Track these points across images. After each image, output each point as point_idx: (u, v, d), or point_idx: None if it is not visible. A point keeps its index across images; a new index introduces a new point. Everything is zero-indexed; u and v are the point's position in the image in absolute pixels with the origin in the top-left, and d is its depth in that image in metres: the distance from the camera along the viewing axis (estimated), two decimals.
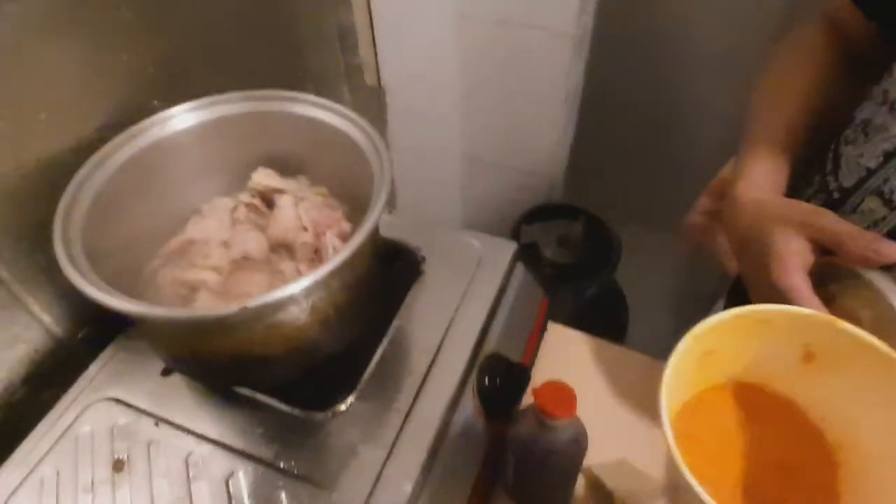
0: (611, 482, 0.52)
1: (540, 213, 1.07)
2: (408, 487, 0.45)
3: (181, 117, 0.52)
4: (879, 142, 0.38)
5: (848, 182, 0.39)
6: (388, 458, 0.47)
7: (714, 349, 0.32)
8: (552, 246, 1.00)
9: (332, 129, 0.52)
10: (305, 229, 0.53)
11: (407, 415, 0.49)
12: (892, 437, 0.28)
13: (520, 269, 0.61)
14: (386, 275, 0.59)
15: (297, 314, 0.43)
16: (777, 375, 0.33)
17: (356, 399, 0.50)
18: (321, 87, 0.63)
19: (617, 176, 1.32)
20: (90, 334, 0.56)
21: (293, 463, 0.47)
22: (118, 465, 0.47)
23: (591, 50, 1.01)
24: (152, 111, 0.51)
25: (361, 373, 0.51)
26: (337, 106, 0.51)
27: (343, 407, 0.49)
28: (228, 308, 0.37)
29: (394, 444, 0.47)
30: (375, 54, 0.78)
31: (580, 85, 1.06)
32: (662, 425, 0.28)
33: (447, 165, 1.05)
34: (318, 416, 0.49)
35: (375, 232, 0.50)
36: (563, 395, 0.43)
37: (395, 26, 0.79)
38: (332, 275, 0.43)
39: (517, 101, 0.98)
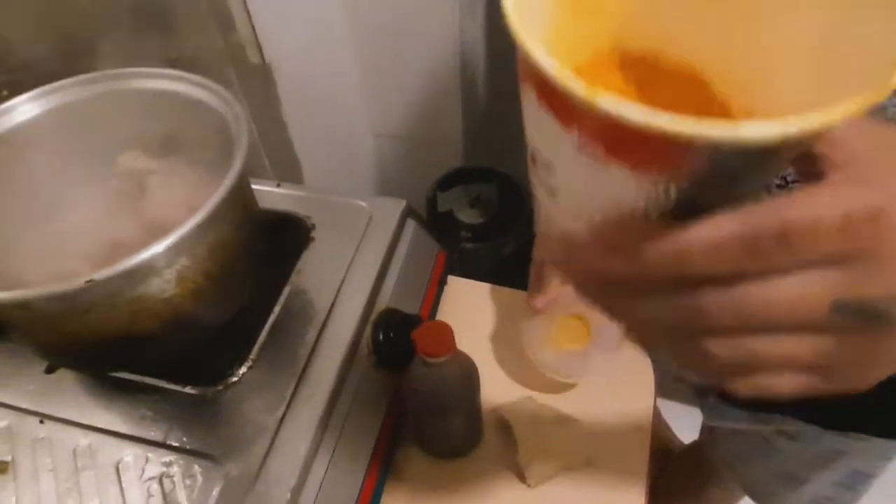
0: (511, 417, 0.54)
1: (455, 179, 1.08)
2: (302, 448, 0.45)
3: (24, 107, 0.49)
4: None
5: None
6: (281, 421, 0.47)
7: None
8: (466, 209, 1.01)
9: (191, 100, 0.50)
10: (178, 207, 0.52)
11: (300, 377, 0.49)
12: (817, 57, 0.20)
13: (411, 225, 0.61)
14: (275, 245, 0.58)
15: (162, 286, 0.42)
16: (679, 29, 0.24)
17: (249, 369, 0.50)
18: (202, 69, 0.61)
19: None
20: None
21: (185, 440, 0.46)
22: (2, 468, 0.46)
23: (494, 7, 1.01)
24: (2, 99, 0.49)
25: (254, 342, 0.51)
26: (190, 76, 0.50)
27: (235, 378, 0.49)
28: (74, 283, 0.36)
29: (288, 408, 0.47)
30: (254, 31, 0.77)
31: (480, 43, 1.07)
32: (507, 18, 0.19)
33: (354, 140, 1.04)
34: (210, 390, 0.48)
35: (243, 197, 0.50)
36: (440, 333, 0.44)
37: (272, 1, 0.77)
38: (192, 241, 0.42)
39: (414, 68, 0.98)
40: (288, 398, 0.48)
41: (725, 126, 0.15)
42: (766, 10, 0.22)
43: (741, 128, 0.15)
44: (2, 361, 0.52)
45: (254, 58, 0.80)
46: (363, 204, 0.61)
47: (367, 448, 0.50)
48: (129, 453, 0.45)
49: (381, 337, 0.53)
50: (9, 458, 0.46)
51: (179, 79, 0.50)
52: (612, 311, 0.21)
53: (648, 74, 0.25)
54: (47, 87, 0.49)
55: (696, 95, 0.24)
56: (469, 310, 0.64)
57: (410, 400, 0.48)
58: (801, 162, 0.21)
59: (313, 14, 0.85)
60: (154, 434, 0.46)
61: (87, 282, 0.36)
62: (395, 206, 0.61)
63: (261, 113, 0.86)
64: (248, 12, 0.75)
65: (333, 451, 0.47)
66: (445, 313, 0.64)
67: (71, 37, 0.57)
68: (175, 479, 0.44)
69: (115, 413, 0.48)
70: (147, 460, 0.45)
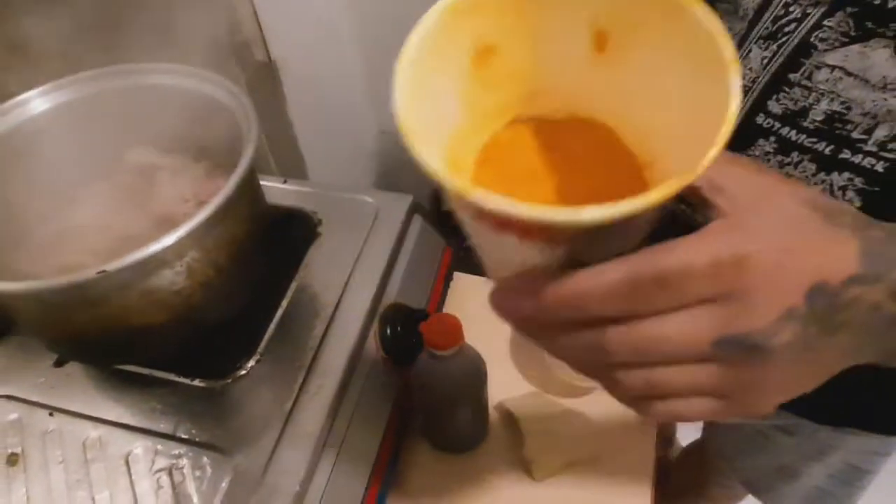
0: (517, 411, 0.54)
1: None
2: (311, 440, 0.46)
3: (34, 102, 0.50)
4: None
5: None
6: (290, 414, 0.47)
7: (492, 44, 0.25)
8: None
9: (200, 95, 0.51)
10: (187, 201, 0.52)
11: (308, 371, 0.49)
12: (689, 105, 0.23)
13: (417, 220, 0.62)
14: (282, 240, 0.58)
15: (173, 278, 0.42)
16: (571, 82, 0.27)
17: (257, 362, 0.50)
18: (208, 67, 0.61)
19: None
20: None
21: (194, 432, 0.46)
22: (12, 460, 0.46)
23: None
24: (8, 97, 0.49)
25: (262, 336, 0.51)
26: (199, 71, 0.50)
27: (243, 371, 0.49)
28: (87, 273, 0.36)
29: (296, 401, 0.48)
30: (260, 28, 0.77)
31: None
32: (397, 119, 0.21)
33: (358, 137, 1.04)
34: (219, 383, 0.49)
35: (252, 191, 0.50)
36: (448, 326, 0.44)
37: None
38: (202, 233, 0.42)
39: None
40: (296, 391, 0.48)
41: (568, 211, 0.18)
42: (640, 72, 0.25)
43: (581, 212, 0.18)
44: (11, 355, 0.52)
45: (259, 55, 0.80)
46: (370, 199, 0.61)
47: (375, 441, 0.51)
48: (139, 445, 0.46)
49: (388, 331, 0.53)
50: (19, 451, 0.46)
51: (188, 74, 0.50)
52: (541, 345, 0.23)
53: (563, 128, 0.28)
54: (57, 82, 0.49)
55: (605, 142, 0.27)
56: (475, 305, 0.64)
57: (418, 393, 0.49)
58: (692, 196, 0.23)
59: (318, 12, 0.85)
60: (163, 426, 0.46)
61: (100, 272, 0.36)
62: (402, 202, 0.61)
63: (266, 110, 0.87)
64: (254, 10, 0.75)
65: (341, 445, 0.48)
66: (451, 309, 0.64)
67: (78, 32, 0.57)
68: (184, 471, 0.44)
69: (125, 406, 0.48)
70: (157, 452, 0.45)
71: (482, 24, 0.24)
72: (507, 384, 0.59)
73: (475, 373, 0.47)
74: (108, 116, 0.51)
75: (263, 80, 0.82)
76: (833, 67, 0.34)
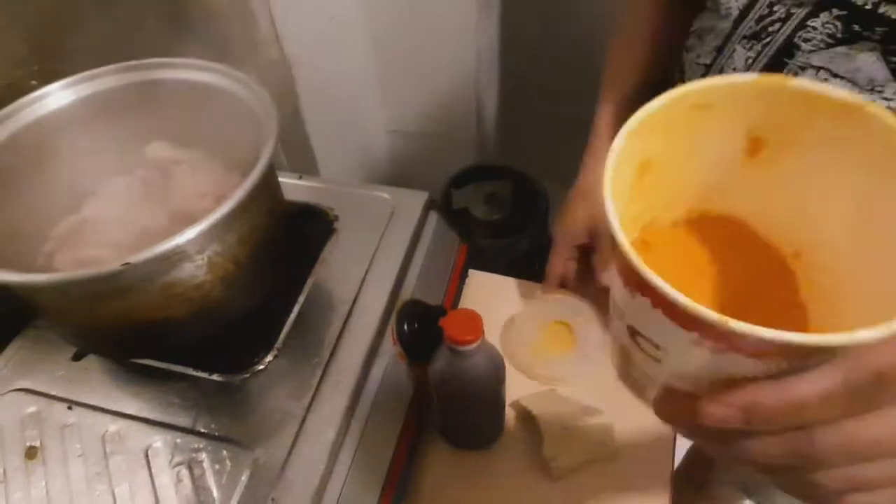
0: (535, 409, 0.54)
1: (469, 177, 1.08)
2: (330, 436, 0.45)
3: (57, 95, 0.50)
4: (711, 40, 0.41)
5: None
6: (308, 410, 0.47)
7: (650, 158, 0.27)
8: (481, 205, 1.01)
9: (219, 90, 0.51)
10: (205, 196, 0.52)
11: (326, 366, 0.49)
12: (865, 213, 0.24)
13: (433, 217, 0.62)
14: (299, 236, 0.58)
15: (194, 271, 0.42)
16: (722, 188, 0.28)
17: (275, 357, 0.50)
18: (224, 63, 0.61)
19: (544, 133, 1.34)
20: None
21: (213, 426, 0.46)
22: (31, 453, 0.46)
23: (507, 7, 1.02)
24: (29, 91, 0.49)
25: (279, 331, 0.51)
26: (218, 65, 0.50)
27: (261, 366, 0.49)
28: (112, 266, 0.36)
29: (314, 397, 0.48)
30: (275, 27, 0.77)
31: (494, 42, 1.07)
32: (611, 227, 0.22)
33: (370, 136, 1.04)
34: (237, 378, 0.49)
35: (271, 186, 0.50)
36: (468, 320, 0.44)
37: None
38: (223, 227, 0.42)
39: (430, 65, 0.98)
40: (314, 386, 0.48)
41: (843, 336, 0.18)
42: (795, 171, 0.26)
43: (857, 335, 0.18)
44: (29, 348, 0.52)
45: (274, 53, 0.80)
46: (386, 196, 0.61)
47: (393, 438, 0.50)
48: (158, 439, 0.45)
49: (405, 327, 0.53)
50: (38, 444, 0.46)
51: (208, 69, 0.50)
52: (724, 452, 0.23)
53: (704, 227, 0.29)
54: (79, 76, 0.50)
55: (752, 245, 0.28)
56: (490, 303, 0.64)
57: (437, 389, 0.48)
58: None
59: (332, 11, 0.85)
60: (182, 420, 0.46)
61: (124, 264, 0.36)
62: (418, 199, 0.61)
63: (279, 108, 0.87)
64: (269, 9, 0.76)
65: (360, 440, 0.47)
66: (466, 306, 0.64)
67: (99, 30, 0.57)
68: (204, 464, 0.44)
69: (144, 400, 0.48)
70: (176, 446, 0.45)
71: (649, 141, 0.26)
72: (522, 381, 0.58)
73: (495, 368, 0.47)
74: (128, 111, 0.52)
75: (277, 78, 0.83)
76: (818, 69, 0.35)
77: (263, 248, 0.48)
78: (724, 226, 0.29)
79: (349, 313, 0.52)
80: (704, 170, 0.28)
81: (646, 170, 0.27)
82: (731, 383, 0.21)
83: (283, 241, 0.53)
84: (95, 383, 0.50)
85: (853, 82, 0.33)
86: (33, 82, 0.52)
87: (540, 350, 0.60)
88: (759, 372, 0.21)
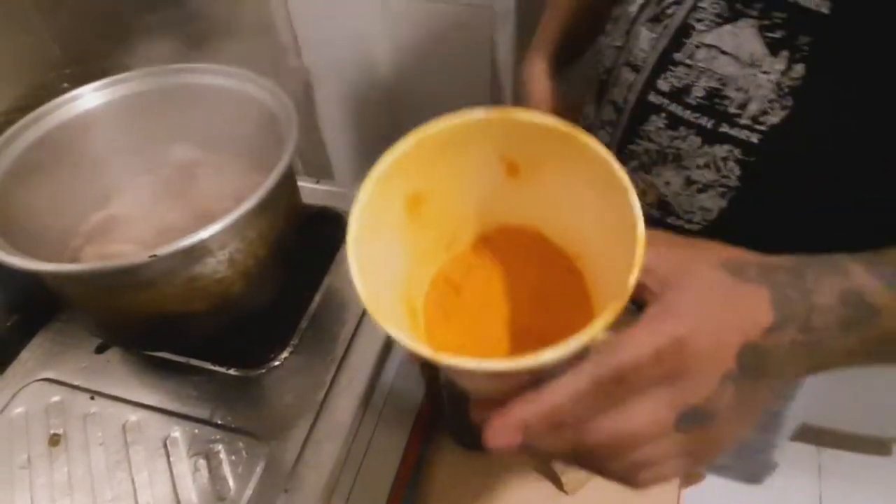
0: None
1: None
2: (343, 430, 0.47)
3: (88, 97, 0.52)
4: (623, 23, 0.43)
5: (608, 63, 0.45)
6: (322, 405, 0.48)
7: (419, 193, 0.28)
8: None
9: (241, 95, 0.53)
10: (226, 197, 0.54)
11: (340, 364, 0.50)
12: (602, 222, 0.27)
13: None
14: (316, 237, 0.60)
15: (216, 266, 0.44)
16: (497, 206, 0.30)
17: (290, 353, 0.51)
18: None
19: None
20: (20, 322, 0.55)
21: (230, 418, 0.48)
22: (54, 440, 0.47)
23: (523, 26, 1.03)
24: (61, 93, 0.51)
25: (295, 329, 0.53)
26: (241, 71, 0.52)
27: (277, 362, 0.51)
28: (139, 256, 0.38)
29: (328, 393, 0.49)
30: (294, 35, 0.79)
31: (509, 58, 1.09)
32: (358, 293, 0.24)
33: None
34: (253, 372, 0.50)
35: (290, 187, 0.52)
36: None
37: (313, 7, 0.80)
38: (246, 224, 0.44)
39: (447, 77, 1.00)
40: (328, 383, 0.49)
41: (528, 360, 0.21)
42: (550, 189, 0.29)
43: (541, 357, 0.21)
44: (53, 340, 0.54)
45: (293, 61, 0.83)
46: None
47: (404, 435, 0.51)
48: (177, 430, 0.47)
49: None
50: (61, 432, 0.48)
51: (231, 74, 0.52)
52: (538, 454, 0.26)
53: (497, 239, 0.32)
54: (109, 79, 0.52)
55: (536, 241, 0.31)
56: None
57: (448, 387, 0.50)
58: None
59: (351, 21, 0.87)
60: (200, 412, 0.48)
61: (152, 256, 0.38)
62: None
63: (300, 121, 0.89)
64: (289, 18, 0.78)
65: (372, 436, 0.49)
66: None
67: (127, 35, 0.60)
68: (221, 455, 0.45)
69: (163, 392, 0.49)
70: (194, 437, 0.46)
71: (408, 180, 0.28)
72: None
73: None
74: (155, 113, 0.54)
75: (296, 86, 0.85)
76: (710, 47, 0.36)
77: (282, 246, 0.49)
78: (518, 234, 0.31)
79: (363, 313, 0.54)
80: (481, 192, 0.30)
81: (419, 201, 0.29)
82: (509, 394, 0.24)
83: (300, 242, 0.54)
84: (117, 375, 0.51)
85: (737, 58, 0.35)
86: (65, 85, 0.55)
87: None
88: (506, 386, 0.24)
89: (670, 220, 0.41)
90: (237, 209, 0.41)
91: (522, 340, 0.28)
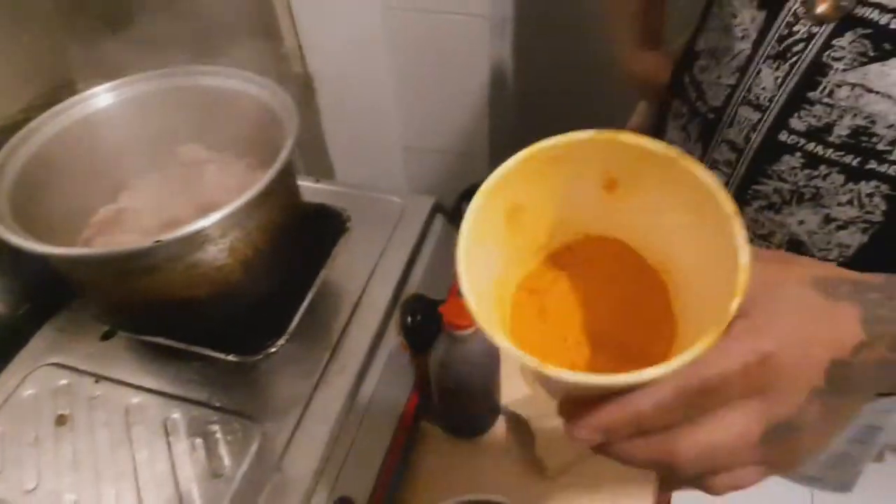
0: (524, 412, 0.57)
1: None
2: (334, 414, 0.49)
3: (102, 96, 0.55)
4: (729, 61, 0.43)
5: (717, 102, 0.44)
6: (315, 390, 0.50)
7: (520, 203, 0.30)
8: None
9: (246, 96, 0.56)
10: (230, 193, 0.57)
11: (333, 352, 0.53)
12: (698, 244, 0.27)
13: (439, 219, 0.66)
14: (313, 233, 0.63)
15: (216, 254, 0.46)
16: (589, 217, 0.31)
17: (286, 341, 0.53)
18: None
19: None
20: (32, 310, 0.58)
21: (227, 401, 0.50)
22: (61, 420, 0.50)
23: (521, 33, 1.06)
24: (77, 92, 0.55)
25: (291, 318, 0.55)
26: (244, 73, 0.55)
27: (273, 349, 0.53)
28: (143, 242, 0.41)
29: (320, 378, 0.51)
30: (298, 42, 0.82)
31: (508, 63, 1.12)
32: (465, 301, 0.26)
33: (386, 151, 1.09)
34: (251, 359, 0.52)
35: (290, 183, 0.54)
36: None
37: (317, 15, 0.83)
38: (244, 214, 0.47)
39: (446, 84, 1.03)
40: (321, 369, 0.51)
41: (629, 376, 0.22)
42: (646, 210, 0.29)
43: (642, 374, 0.22)
44: (62, 328, 0.57)
45: (296, 67, 0.86)
46: (396, 199, 0.65)
47: (392, 422, 0.53)
48: (177, 412, 0.49)
49: (409, 319, 0.56)
50: (67, 412, 0.50)
51: (235, 76, 0.55)
52: (609, 453, 0.26)
53: (583, 247, 0.33)
54: (122, 80, 0.55)
55: (621, 251, 0.31)
56: None
57: (436, 374, 0.52)
58: None
59: (354, 30, 0.91)
60: (199, 396, 0.50)
61: (156, 242, 0.41)
62: (426, 202, 0.65)
63: (301, 120, 0.92)
64: (294, 25, 0.81)
65: (361, 420, 0.51)
66: None
67: (140, 39, 0.63)
68: (217, 435, 0.47)
69: (164, 377, 0.52)
70: (192, 418, 0.49)
71: (512, 192, 0.29)
72: (508, 388, 0.61)
73: (490, 352, 0.50)
74: (165, 112, 0.57)
75: (298, 91, 0.88)
76: (854, 85, 0.35)
77: (280, 238, 0.52)
78: (606, 243, 0.32)
79: (357, 305, 0.56)
80: (577, 203, 0.31)
81: (519, 210, 0.30)
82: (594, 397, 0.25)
83: (299, 237, 0.57)
84: (121, 360, 0.54)
85: (889, 96, 0.34)
86: (80, 84, 0.58)
87: None
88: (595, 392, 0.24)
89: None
90: (236, 200, 0.43)
91: (603, 349, 0.29)
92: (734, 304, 0.22)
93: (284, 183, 0.51)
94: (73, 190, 0.54)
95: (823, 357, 0.24)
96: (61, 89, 0.55)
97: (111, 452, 0.48)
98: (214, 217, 0.43)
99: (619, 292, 0.31)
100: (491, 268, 0.30)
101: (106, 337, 0.56)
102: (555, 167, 0.29)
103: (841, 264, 0.39)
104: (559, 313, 0.30)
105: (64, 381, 0.52)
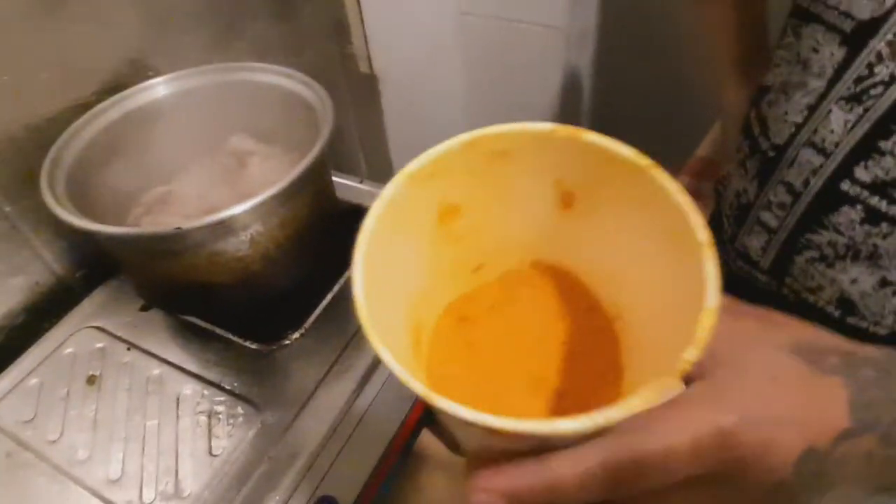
0: None
1: None
2: (332, 413, 0.50)
3: (165, 86, 0.59)
4: (800, 98, 0.39)
5: (780, 139, 0.41)
6: (318, 386, 0.51)
7: (455, 203, 0.25)
8: None
9: (293, 94, 0.58)
10: (270, 184, 0.59)
11: (343, 352, 0.54)
12: (663, 279, 0.22)
13: None
14: (347, 233, 0.64)
15: (238, 245, 0.48)
16: (538, 238, 0.27)
17: (301, 336, 0.55)
18: (316, 75, 0.70)
19: None
20: (88, 274, 0.63)
21: (236, 385, 0.52)
22: (91, 380, 0.54)
23: (604, 49, 1.03)
24: (147, 79, 0.59)
25: (310, 314, 0.57)
26: (294, 72, 0.57)
27: (288, 342, 0.55)
28: (165, 227, 0.43)
29: (326, 376, 0.52)
30: (366, 43, 0.84)
31: (583, 81, 1.09)
32: (355, 300, 0.21)
33: None
34: (266, 347, 0.54)
35: (320, 181, 0.56)
36: None
37: (386, 17, 0.85)
38: (266, 210, 0.48)
39: (517, 93, 1.02)
40: (328, 368, 0.52)
41: (545, 424, 0.17)
42: (607, 229, 0.25)
43: (557, 425, 0.17)
44: (108, 295, 0.61)
45: (363, 67, 0.88)
46: None
47: (392, 428, 0.54)
48: (189, 388, 0.52)
49: None
50: (98, 373, 0.54)
51: (284, 74, 0.58)
52: None
53: (528, 278, 0.28)
54: (178, 73, 0.59)
55: (571, 290, 0.27)
56: None
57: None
58: None
59: (424, 30, 0.92)
60: (212, 376, 0.53)
61: (176, 229, 0.43)
62: None
63: (364, 119, 0.94)
64: (363, 26, 0.83)
65: (358, 423, 0.51)
66: None
67: (203, 35, 0.67)
68: (221, 416, 0.50)
69: (187, 353, 0.55)
70: (202, 396, 0.51)
71: (449, 184, 0.25)
72: None
73: None
74: (217, 105, 0.60)
75: (365, 92, 0.90)
76: None
77: (305, 236, 0.53)
78: (556, 277, 0.27)
79: None
80: (525, 219, 0.26)
81: (454, 212, 0.26)
82: (503, 456, 0.20)
83: (329, 235, 0.58)
84: (153, 332, 0.57)
85: None
86: (151, 73, 0.62)
87: None
88: (524, 447, 0.20)
89: (851, 320, 0.37)
90: (257, 196, 0.45)
91: (536, 393, 0.25)
92: (689, 354, 0.18)
93: (313, 180, 0.53)
94: (128, 171, 0.58)
95: (796, 443, 0.20)
96: (132, 75, 0.59)
97: (127, 417, 0.51)
98: (234, 210, 0.44)
99: (562, 332, 0.26)
100: (410, 276, 0.25)
101: (144, 308, 0.60)
102: (502, 165, 0.24)
103: (893, 333, 0.35)
104: (490, 348, 0.26)
105: (100, 345, 0.57)
